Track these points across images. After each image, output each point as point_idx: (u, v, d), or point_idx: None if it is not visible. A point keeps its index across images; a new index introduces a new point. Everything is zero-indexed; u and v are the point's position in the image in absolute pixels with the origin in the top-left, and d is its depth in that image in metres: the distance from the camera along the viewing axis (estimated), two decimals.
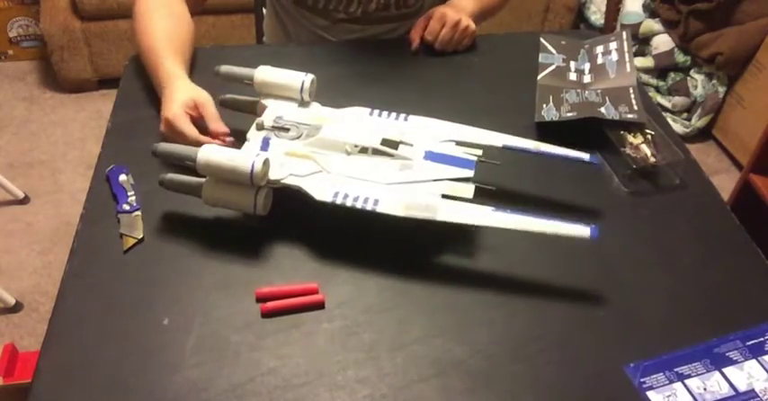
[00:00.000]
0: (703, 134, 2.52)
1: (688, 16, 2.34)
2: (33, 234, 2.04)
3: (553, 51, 1.24)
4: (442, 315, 0.83)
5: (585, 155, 0.97)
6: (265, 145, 0.92)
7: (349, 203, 0.85)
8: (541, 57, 1.22)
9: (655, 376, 0.77)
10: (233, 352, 0.77)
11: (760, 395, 0.76)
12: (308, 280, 0.84)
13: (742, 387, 0.77)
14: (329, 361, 0.77)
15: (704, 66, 2.41)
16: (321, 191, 0.86)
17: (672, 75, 2.47)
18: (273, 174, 0.86)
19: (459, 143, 0.95)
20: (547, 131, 1.05)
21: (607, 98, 1.11)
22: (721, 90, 2.40)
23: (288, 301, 0.81)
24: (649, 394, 0.75)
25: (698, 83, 2.41)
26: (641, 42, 2.51)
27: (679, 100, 2.44)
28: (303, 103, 1.00)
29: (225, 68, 1.02)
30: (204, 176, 0.86)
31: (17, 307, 1.82)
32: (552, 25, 2.75)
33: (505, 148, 0.96)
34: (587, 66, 1.22)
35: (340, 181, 0.88)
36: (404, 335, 0.80)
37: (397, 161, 0.90)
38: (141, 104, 1.09)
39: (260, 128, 0.95)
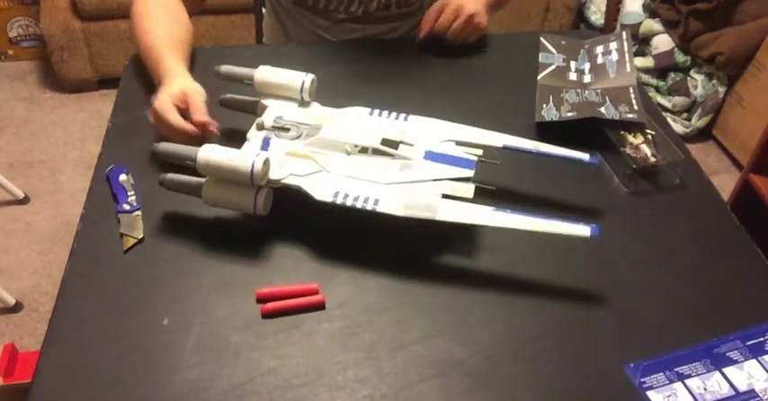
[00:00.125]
0: (703, 134, 2.51)
1: (688, 16, 2.34)
2: (33, 234, 2.04)
3: (553, 51, 1.24)
4: (442, 315, 0.82)
5: (585, 156, 0.97)
6: (265, 145, 0.92)
7: (349, 203, 0.85)
8: (541, 57, 1.22)
9: (655, 376, 0.77)
10: (233, 352, 0.77)
11: (760, 395, 0.76)
12: (309, 280, 0.84)
13: (742, 387, 0.77)
14: (329, 362, 0.77)
15: (704, 66, 2.40)
16: (321, 190, 0.86)
17: (672, 75, 2.47)
18: (273, 174, 0.86)
19: (459, 143, 0.95)
20: (547, 131, 1.05)
21: (607, 98, 1.11)
22: (721, 90, 2.40)
23: (288, 302, 0.81)
24: (649, 394, 0.75)
25: (698, 83, 2.41)
26: (641, 42, 2.51)
27: (679, 100, 2.44)
28: (303, 103, 1.00)
29: (225, 68, 1.02)
30: (204, 176, 0.87)
31: (17, 307, 1.82)
32: (552, 25, 2.75)
33: (505, 148, 0.96)
34: (587, 66, 1.22)
35: (340, 181, 0.88)
36: (404, 335, 0.80)
37: (398, 161, 0.90)
38: (141, 104, 1.09)
39: (260, 128, 0.95)
